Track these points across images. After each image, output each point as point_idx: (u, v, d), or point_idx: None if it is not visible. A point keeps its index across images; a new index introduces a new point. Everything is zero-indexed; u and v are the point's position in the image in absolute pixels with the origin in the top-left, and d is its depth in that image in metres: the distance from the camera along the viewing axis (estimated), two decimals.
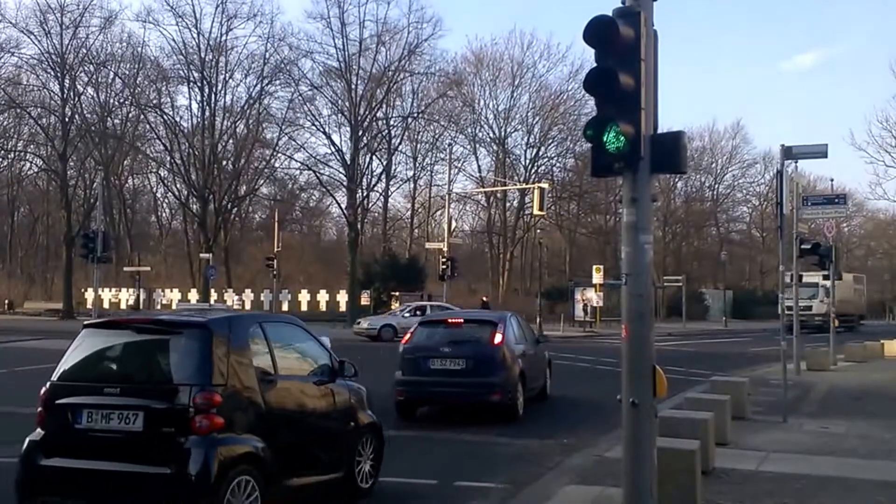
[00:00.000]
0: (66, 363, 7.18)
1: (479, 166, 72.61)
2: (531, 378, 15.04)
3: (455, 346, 13.92)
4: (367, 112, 53.37)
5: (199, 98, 56.66)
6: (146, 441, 6.56)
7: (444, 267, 40.02)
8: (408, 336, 14.78)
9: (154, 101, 58.10)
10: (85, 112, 57.17)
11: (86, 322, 7.89)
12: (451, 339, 14.14)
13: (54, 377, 7.10)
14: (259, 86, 55.56)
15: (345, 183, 54.21)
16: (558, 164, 73.31)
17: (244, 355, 7.11)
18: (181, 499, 6.38)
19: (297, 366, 8.13)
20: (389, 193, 68.36)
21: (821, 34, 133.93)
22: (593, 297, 51.43)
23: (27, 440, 7.03)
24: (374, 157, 60.18)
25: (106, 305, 58.22)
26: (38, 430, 7.05)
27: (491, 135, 70.82)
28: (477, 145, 71.02)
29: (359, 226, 57.19)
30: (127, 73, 57.78)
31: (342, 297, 54.90)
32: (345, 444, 8.27)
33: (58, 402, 6.92)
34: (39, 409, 7.07)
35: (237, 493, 6.58)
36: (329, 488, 8.03)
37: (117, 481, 6.57)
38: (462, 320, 15.35)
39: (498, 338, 13.93)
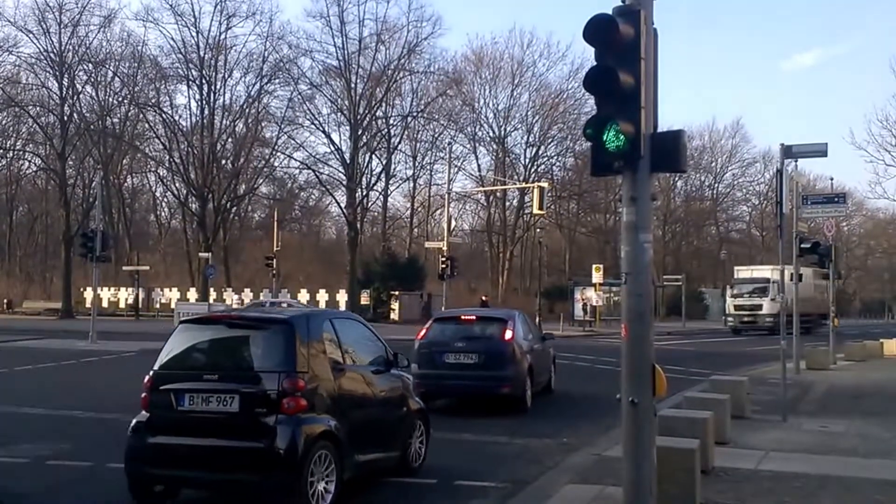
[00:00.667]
0: (165, 354, 8.11)
1: (478, 165, 72.71)
2: (538, 373, 15.77)
3: (468, 342, 14.66)
4: (366, 111, 53.41)
5: (198, 97, 56.78)
6: (241, 420, 7.50)
7: (444, 266, 39.99)
8: (423, 332, 15.38)
9: (153, 100, 58.14)
10: (84, 111, 57.22)
11: (182, 319, 9.43)
12: (464, 335, 14.89)
13: (156, 366, 8.02)
14: (258, 85, 55.69)
15: (344, 182, 54.28)
16: (558, 164, 73.40)
17: (319, 347, 8.15)
18: (273, 470, 7.34)
19: (360, 356, 9.04)
20: (389, 192, 68.48)
21: (821, 33, 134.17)
22: (593, 296, 51.43)
23: (134, 421, 7.95)
24: (373, 156, 60.27)
25: (105, 305, 58.20)
26: (143, 412, 7.95)
27: (491, 134, 70.89)
28: (476, 144, 71.09)
29: (358, 225, 57.25)
30: (126, 71, 57.88)
31: (342, 297, 54.90)
32: (400, 427, 9.31)
33: (161, 387, 7.84)
34: (144, 394, 7.96)
35: (318, 465, 7.57)
36: (387, 466, 9.01)
37: (216, 455, 7.50)
38: (475, 317, 16.11)
39: (508, 334, 14.68)
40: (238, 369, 7.98)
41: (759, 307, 46.43)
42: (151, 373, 8.00)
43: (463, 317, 16.10)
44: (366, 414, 8.61)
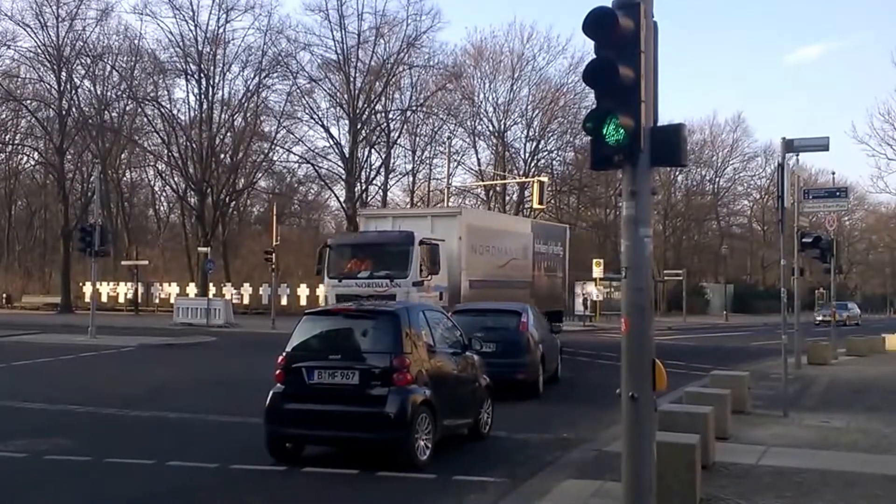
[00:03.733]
0: (295, 339, 10.21)
1: (478, 160, 72.49)
2: (548, 361, 17.47)
3: (487, 332, 15.77)
4: (365, 105, 53.30)
5: (196, 91, 56.55)
6: (360, 390, 9.54)
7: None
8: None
9: (151, 94, 57.92)
10: (82, 105, 57.11)
11: (307, 311, 11.54)
12: (482, 326, 16.08)
13: (289, 349, 10.05)
14: (257, 79, 55.48)
15: (343, 176, 54.20)
16: (558, 158, 73.18)
17: (417, 333, 10.22)
18: (386, 429, 9.35)
19: (445, 341, 11.13)
20: (388, 187, 68.18)
21: (822, 27, 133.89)
22: (593, 291, 51.45)
23: (271, 392, 9.87)
24: (372, 151, 60.13)
25: (104, 299, 58.08)
26: (278, 385, 9.92)
27: (490, 128, 70.67)
28: (476, 138, 70.86)
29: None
30: (124, 65, 57.66)
31: None
32: (474, 399, 11.33)
33: (293, 365, 9.86)
34: (278, 371, 9.94)
35: (420, 426, 9.50)
36: (463, 431, 11.14)
37: (340, 418, 9.50)
38: (492, 309, 17.74)
39: (523, 325, 16.46)
40: (357, 350, 10.05)
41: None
42: (284, 354, 10.00)
43: (481, 308, 17.82)
44: (450, 387, 10.57)
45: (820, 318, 52.06)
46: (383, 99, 57.41)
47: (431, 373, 10.04)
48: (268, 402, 9.88)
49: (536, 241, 28.06)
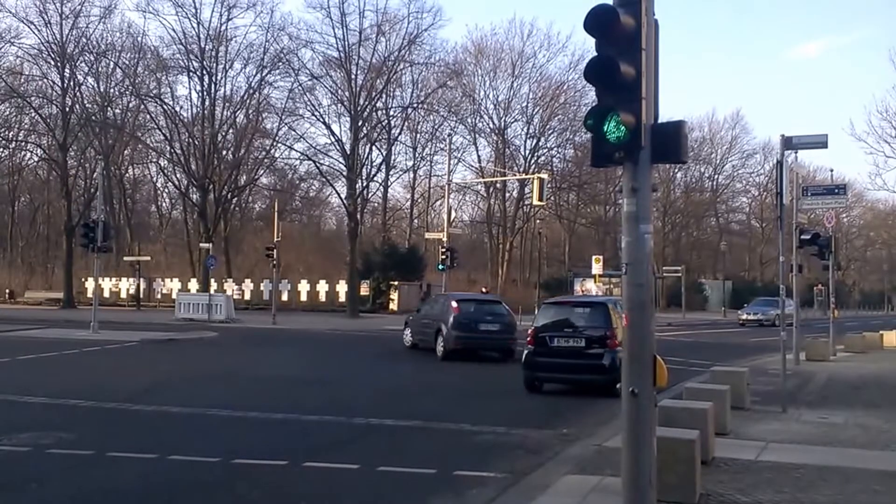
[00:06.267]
0: (539, 319, 16.81)
1: (478, 156, 72.62)
2: None
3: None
4: (366, 102, 53.17)
5: (199, 88, 56.51)
6: (585, 350, 15.63)
7: (444, 257, 39.97)
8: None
9: (154, 91, 57.91)
10: (85, 102, 57.04)
11: (544, 301, 19.53)
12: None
13: (537, 324, 16.50)
14: (259, 75, 55.43)
15: (344, 173, 54.05)
16: (558, 155, 73.27)
17: (616, 315, 15.22)
18: (603, 374, 15.23)
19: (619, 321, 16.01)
20: (389, 183, 68.38)
21: (821, 25, 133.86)
22: (593, 287, 51.46)
23: (525, 351, 16.33)
24: (373, 147, 60.04)
25: (106, 295, 58.23)
26: (529, 346, 16.17)
27: (491, 125, 70.77)
28: (477, 135, 70.97)
29: (358, 216, 57.07)
30: (127, 62, 57.64)
31: (342, 288, 54.88)
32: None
33: (539, 335, 16.12)
34: (529, 338, 16.23)
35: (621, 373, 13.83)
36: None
37: (572, 367, 15.73)
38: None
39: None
40: (582, 326, 16.04)
41: None
42: (533, 328, 16.49)
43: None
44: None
45: (745, 317, 50.50)
46: (384, 96, 57.35)
47: (622, 342, 13.60)
48: (524, 357, 16.39)
49: None
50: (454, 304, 24.16)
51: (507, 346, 23.45)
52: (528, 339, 16.16)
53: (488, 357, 23.56)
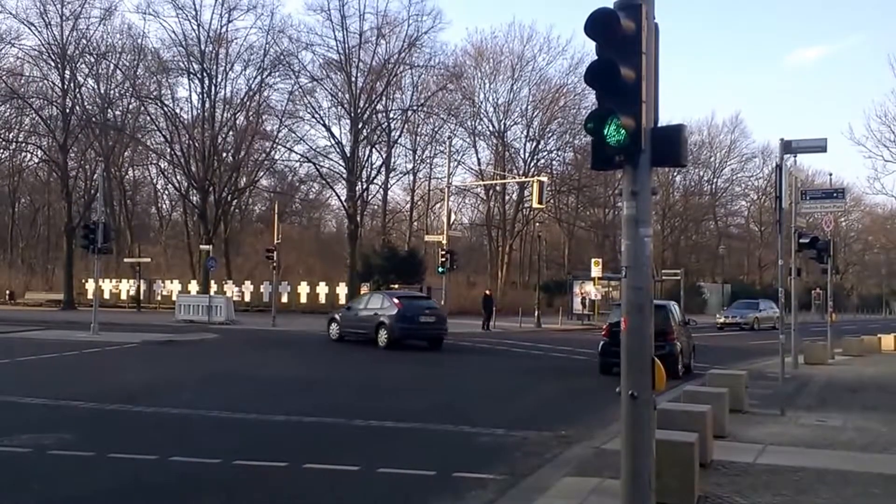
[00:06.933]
0: (612, 317, 20.92)
1: (478, 159, 72.65)
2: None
3: None
4: (366, 104, 53.34)
5: (199, 90, 56.64)
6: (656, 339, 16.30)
7: (444, 259, 40.02)
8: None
9: (154, 93, 58.02)
10: (85, 103, 57.10)
11: (614, 303, 28.63)
12: None
13: (610, 320, 20.69)
14: (259, 78, 55.56)
15: (344, 175, 54.23)
16: (557, 158, 73.31)
17: (675, 315, 21.00)
18: (668, 359, 16.50)
19: (682, 320, 21.93)
20: (389, 186, 68.37)
21: (821, 29, 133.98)
22: (592, 290, 51.46)
23: (601, 342, 20.87)
24: (373, 150, 60.20)
25: (106, 296, 58.17)
26: (604, 338, 20.46)
27: (490, 128, 70.80)
28: (476, 138, 71.00)
29: (358, 218, 57.22)
30: (127, 64, 57.77)
31: (342, 290, 54.88)
32: (691, 348, 21.96)
33: (613, 329, 18.63)
34: (604, 331, 20.89)
35: (682, 356, 19.92)
36: (687, 362, 21.07)
37: None
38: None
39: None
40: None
41: None
42: (607, 324, 20.65)
43: None
44: (685, 341, 21.01)
45: (722, 319, 49.32)
46: (384, 98, 57.51)
47: (679, 335, 20.51)
48: (600, 347, 20.74)
49: None
50: (396, 300, 27.88)
51: (440, 335, 28.00)
52: (604, 332, 21.07)
53: (417, 346, 27.44)
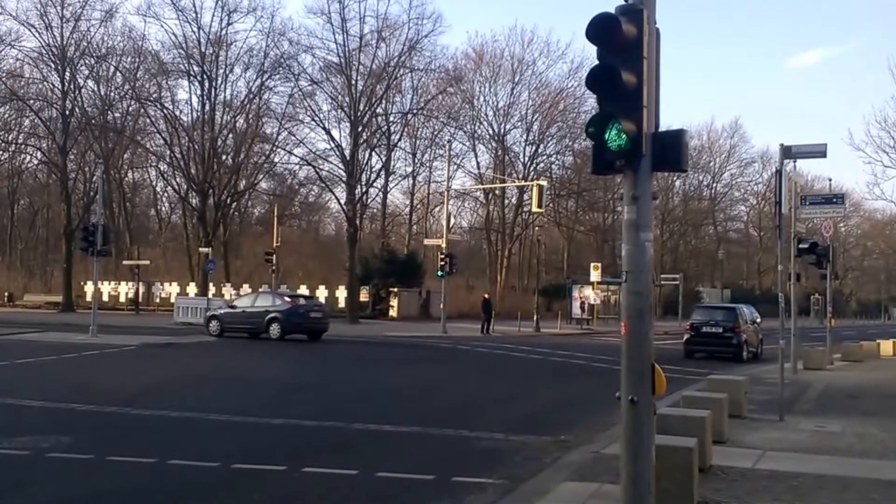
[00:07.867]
0: (694, 317, 29.53)
1: (478, 163, 72.72)
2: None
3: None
4: (366, 108, 53.21)
5: (199, 92, 56.65)
6: (723, 334, 27.60)
7: (443, 263, 40.02)
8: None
9: (154, 95, 57.97)
10: (85, 105, 57.13)
11: (697, 305, 38.96)
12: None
13: (692, 320, 29.29)
14: (259, 80, 55.50)
15: (344, 178, 54.05)
16: (557, 162, 73.41)
17: (742, 315, 28.46)
18: (734, 348, 27.41)
19: (751, 318, 29.38)
20: (388, 189, 68.42)
21: (821, 35, 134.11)
22: (591, 294, 51.45)
23: (686, 335, 28.91)
24: (373, 153, 60.11)
25: (105, 298, 58.15)
26: (687, 332, 28.68)
27: (490, 131, 70.90)
28: (476, 142, 71.10)
29: (358, 221, 57.04)
30: (127, 66, 57.80)
31: (341, 293, 54.88)
32: (758, 340, 29.45)
33: (694, 326, 28.50)
34: (688, 327, 29.03)
35: (748, 345, 27.96)
36: (754, 351, 28.86)
37: (716, 343, 27.70)
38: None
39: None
40: (720, 320, 28.00)
41: None
42: (691, 322, 29.01)
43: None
44: (751, 334, 28.31)
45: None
46: (384, 102, 57.36)
47: (745, 329, 27.47)
48: (686, 338, 28.20)
49: None
50: (287, 299, 32.64)
51: (325, 329, 32.59)
52: (688, 327, 28.68)
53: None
